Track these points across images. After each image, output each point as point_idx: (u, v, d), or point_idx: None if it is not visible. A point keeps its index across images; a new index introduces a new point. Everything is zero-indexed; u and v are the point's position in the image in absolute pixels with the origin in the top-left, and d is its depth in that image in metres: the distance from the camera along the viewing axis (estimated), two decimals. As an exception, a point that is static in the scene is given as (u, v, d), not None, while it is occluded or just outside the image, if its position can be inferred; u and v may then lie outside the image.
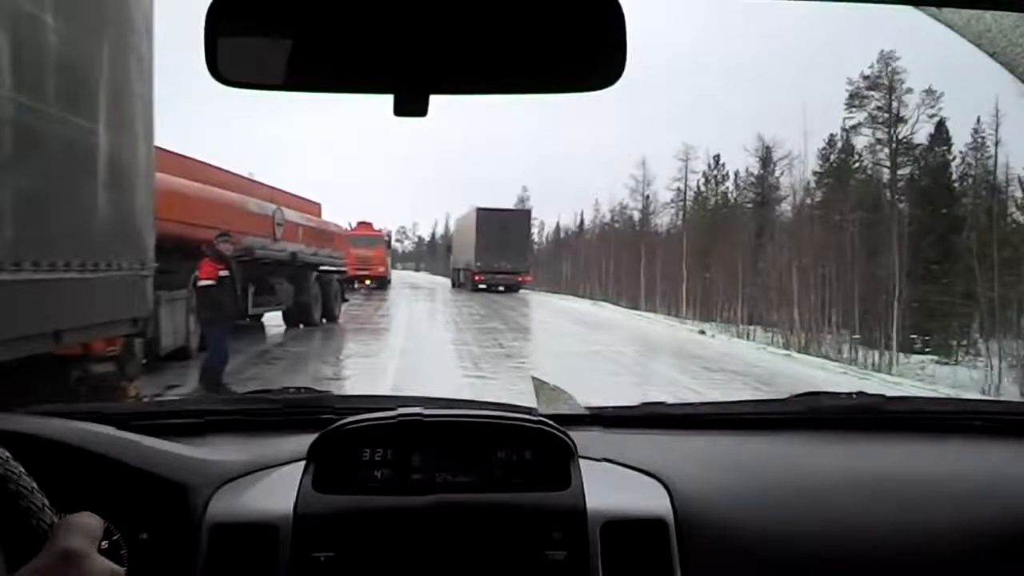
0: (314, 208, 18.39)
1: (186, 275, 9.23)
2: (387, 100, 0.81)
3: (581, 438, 1.37)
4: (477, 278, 33.49)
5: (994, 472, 1.44)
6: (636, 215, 48.28)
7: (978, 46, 1.06)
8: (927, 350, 24.88)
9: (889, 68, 29.59)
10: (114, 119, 5.18)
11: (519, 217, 37.46)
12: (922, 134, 29.76)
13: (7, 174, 4.00)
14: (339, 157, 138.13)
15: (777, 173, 37.84)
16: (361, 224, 33.71)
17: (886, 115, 29.75)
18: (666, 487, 1.32)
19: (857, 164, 32.46)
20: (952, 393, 12.69)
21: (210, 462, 1.32)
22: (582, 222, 60.06)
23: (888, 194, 29.14)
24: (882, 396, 1.77)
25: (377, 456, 1.27)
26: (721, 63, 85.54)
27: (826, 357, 19.35)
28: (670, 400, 1.82)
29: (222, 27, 0.81)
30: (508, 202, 52.99)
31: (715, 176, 43.65)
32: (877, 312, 24.65)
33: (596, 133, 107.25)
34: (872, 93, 30.22)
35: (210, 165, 12.20)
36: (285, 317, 15.95)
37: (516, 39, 0.81)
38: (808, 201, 31.72)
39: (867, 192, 29.43)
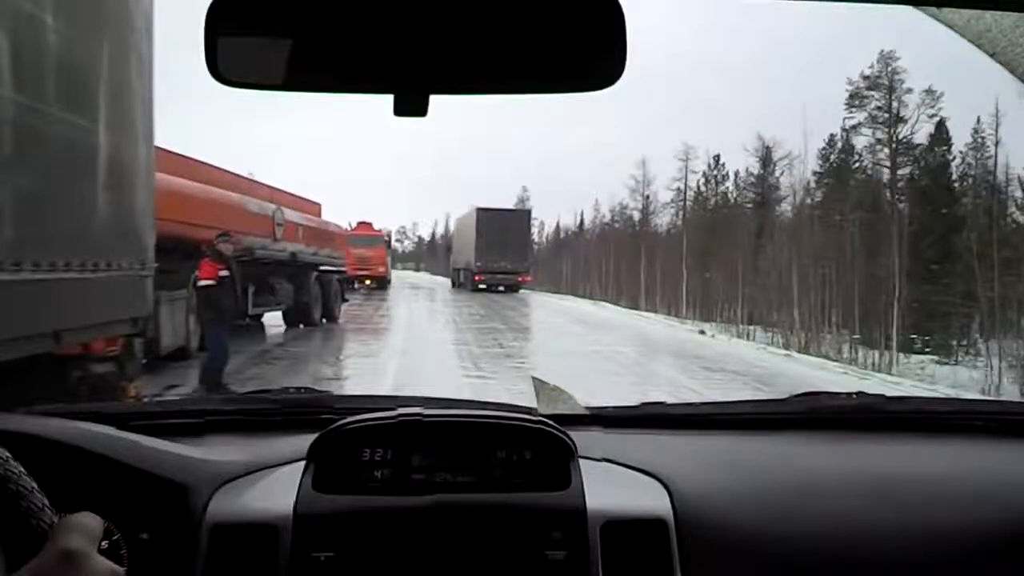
0: (314, 208, 18.38)
1: (186, 275, 9.22)
2: (387, 100, 0.81)
3: (581, 438, 1.37)
4: (477, 278, 33.46)
5: (994, 472, 1.44)
6: (636, 215, 48.38)
7: (978, 46, 1.06)
8: (927, 350, 24.88)
9: (889, 68, 29.65)
10: (114, 119, 5.18)
11: (519, 217, 37.42)
12: (922, 134, 29.87)
13: (7, 174, 4.00)
14: (339, 157, 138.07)
15: (777, 173, 37.94)
16: (361, 224, 33.67)
17: (886, 115, 29.79)
18: (666, 487, 1.32)
19: (857, 164, 32.50)
20: (952, 393, 12.69)
21: (210, 462, 1.32)
22: (582, 222, 60.16)
23: (888, 194, 29.17)
24: (882, 396, 1.77)
25: (377, 456, 1.27)
26: (721, 63, 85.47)
27: (826, 357, 19.34)
28: (670, 400, 1.82)
29: (222, 27, 0.81)
30: (508, 202, 53.00)
31: (715, 176, 43.70)
32: (877, 312, 24.66)
33: (596, 133, 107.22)
34: (872, 93, 30.28)
35: (210, 165, 12.20)
36: (285, 317, 15.93)
37: (516, 39, 0.81)
38: (808, 201, 31.75)
39: (867, 192, 29.45)
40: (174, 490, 1.24)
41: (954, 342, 25.41)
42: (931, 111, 29.50)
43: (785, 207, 34.65)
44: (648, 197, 46.80)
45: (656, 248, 42.47)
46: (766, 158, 38.64)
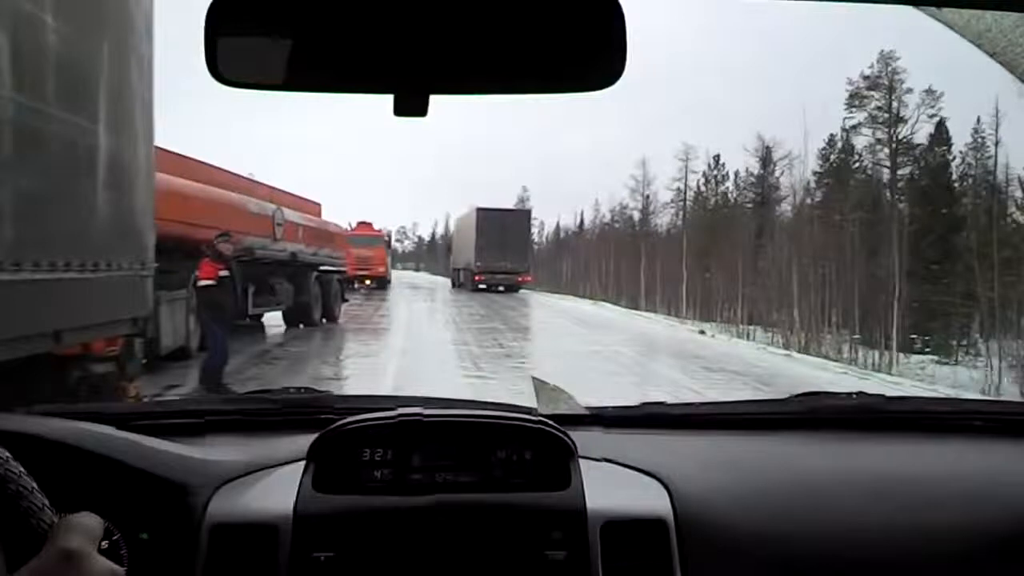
0: (314, 208, 18.38)
1: (186, 275, 9.23)
2: (387, 100, 0.80)
3: (581, 438, 1.37)
4: (477, 278, 33.47)
5: (994, 472, 1.44)
6: (636, 215, 48.36)
7: (978, 46, 1.06)
8: (927, 350, 24.90)
9: (889, 68, 29.66)
10: (114, 119, 5.17)
11: (519, 217, 37.43)
12: (922, 134, 29.86)
13: (7, 174, 3.99)
14: (339, 157, 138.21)
15: (777, 173, 37.94)
16: (361, 224, 33.67)
17: (886, 115, 29.79)
18: (666, 487, 1.32)
19: (857, 164, 32.49)
20: (952, 393, 12.69)
21: (210, 462, 1.32)
22: (582, 222, 60.15)
23: (888, 194, 29.19)
24: (882, 396, 1.77)
25: (377, 456, 1.27)
26: (721, 63, 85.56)
27: (826, 357, 19.35)
28: (670, 400, 1.82)
29: (222, 27, 0.81)
30: (508, 202, 52.92)
31: (715, 176, 43.70)
32: (877, 312, 24.67)
33: (596, 133, 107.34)
34: (872, 93, 30.27)
35: (210, 165, 12.20)
36: (285, 317, 15.94)
37: (516, 39, 0.81)
38: (808, 201, 31.74)
39: (867, 192, 29.47)
40: (174, 490, 1.25)
41: (954, 342, 25.43)
42: (931, 111, 29.56)
43: (785, 207, 34.70)
44: (648, 197, 46.85)
45: (656, 248, 42.48)
46: (766, 158, 38.67)
